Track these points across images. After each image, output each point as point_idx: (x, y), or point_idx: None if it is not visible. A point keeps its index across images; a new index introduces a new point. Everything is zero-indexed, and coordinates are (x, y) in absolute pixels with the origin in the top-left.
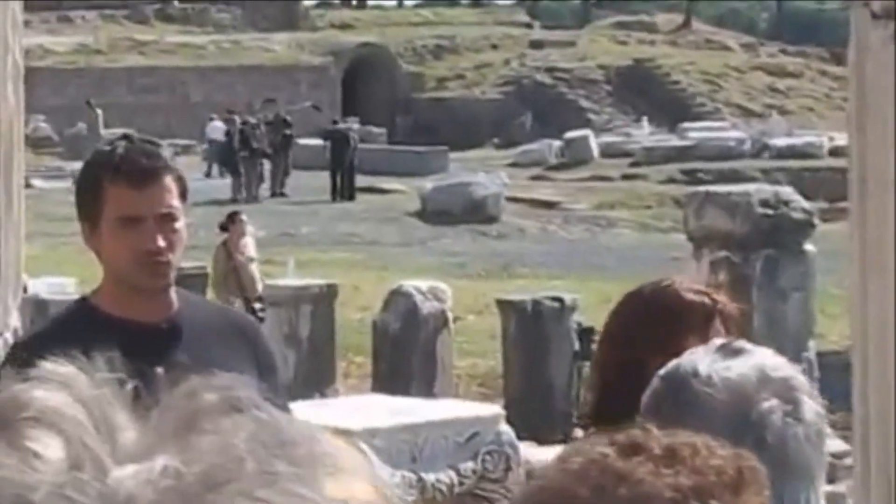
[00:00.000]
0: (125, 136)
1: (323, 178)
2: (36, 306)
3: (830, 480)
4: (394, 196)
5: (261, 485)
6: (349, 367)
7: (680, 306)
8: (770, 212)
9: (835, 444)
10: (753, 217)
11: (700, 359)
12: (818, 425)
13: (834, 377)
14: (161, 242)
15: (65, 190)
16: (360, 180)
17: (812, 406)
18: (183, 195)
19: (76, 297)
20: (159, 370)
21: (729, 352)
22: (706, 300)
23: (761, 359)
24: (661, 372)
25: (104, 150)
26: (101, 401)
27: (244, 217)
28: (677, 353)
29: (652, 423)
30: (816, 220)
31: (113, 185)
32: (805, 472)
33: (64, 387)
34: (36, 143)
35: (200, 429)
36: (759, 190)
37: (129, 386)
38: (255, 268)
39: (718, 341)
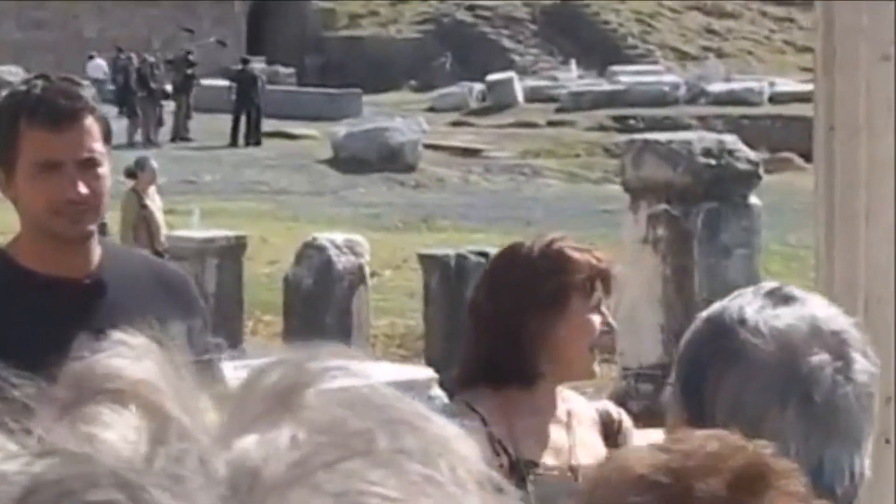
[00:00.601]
0: (43, 76)
1: (227, 122)
2: None
3: None
4: (304, 142)
5: (379, 465)
6: (257, 326)
7: (566, 263)
8: (713, 162)
9: None
10: (695, 167)
11: (748, 304)
12: (869, 386)
13: None
14: (82, 189)
15: None
16: (267, 124)
17: (865, 365)
18: (107, 138)
19: None
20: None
21: (779, 298)
22: (592, 260)
23: (813, 308)
24: (705, 314)
25: (20, 90)
26: (179, 374)
27: (154, 163)
28: (559, 311)
29: (688, 368)
30: (762, 172)
31: (29, 128)
32: (851, 436)
33: (139, 359)
34: None
35: (301, 403)
36: (701, 138)
37: (213, 357)
38: (161, 218)
39: (769, 285)
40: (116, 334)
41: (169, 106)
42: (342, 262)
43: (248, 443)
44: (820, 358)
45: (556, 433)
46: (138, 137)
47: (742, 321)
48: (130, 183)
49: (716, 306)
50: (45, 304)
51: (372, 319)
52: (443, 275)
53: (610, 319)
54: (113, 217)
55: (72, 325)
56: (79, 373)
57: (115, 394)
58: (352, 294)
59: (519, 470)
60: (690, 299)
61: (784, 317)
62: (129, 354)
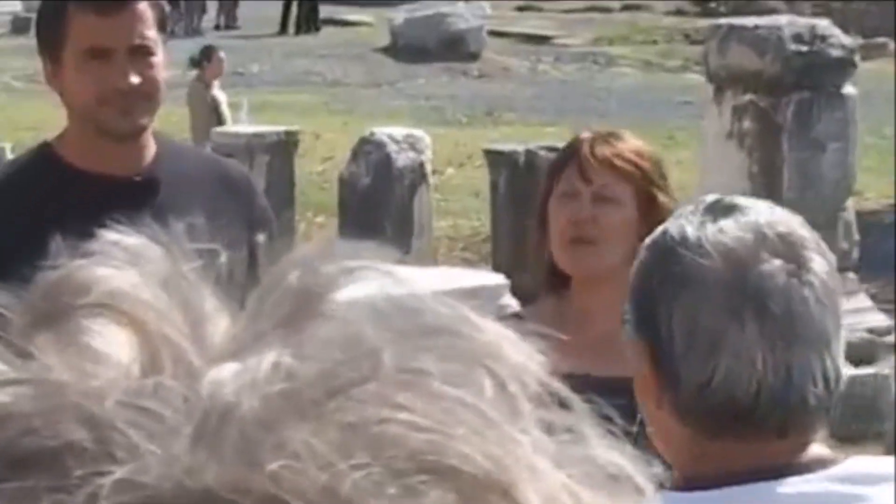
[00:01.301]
0: None
1: (277, 8)
2: None
3: (870, 361)
4: (359, 29)
5: (402, 387)
6: (310, 228)
7: (564, 150)
8: (804, 48)
9: (875, 318)
10: (784, 54)
11: (688, 221)
12: (828, 284)
13: (874, 241)
14: (134, 79)
15: None
16: (321, 10)
17: (821, 263)
18: (161, 25)
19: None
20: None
21: (720, 210)
22: (572, 144)
23: (757, 215)
24: (647, 241)
25: None
26: (183, 281)
27: (222, 53)
28: (547, 204)
29: (639, 299)
30: (857, 59)
31: (77, 13)
32: (817, 338)
33: (133, 263)
34: None
35: (317, 313)
36: (791, 23)
37: (221, 261)
38: (228, 113)
39: (709, 198)
40: (108, 234)
41: None
42: (402, 158)
43: (226, 371)
44: (771, 266)
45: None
46: (178, 27)
47: (684, 241)
48: (192, 74)
49: (656, 231)
50: (93, 203)
51: (434, 221)
52: (510, 172)
53: (587, 209)
54: (178, 113)
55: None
56: (53, 283)
57: (89, 308)
58: (412, 193)
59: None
60: (779, 198)
61: (727, 229)
62: (120, 258)
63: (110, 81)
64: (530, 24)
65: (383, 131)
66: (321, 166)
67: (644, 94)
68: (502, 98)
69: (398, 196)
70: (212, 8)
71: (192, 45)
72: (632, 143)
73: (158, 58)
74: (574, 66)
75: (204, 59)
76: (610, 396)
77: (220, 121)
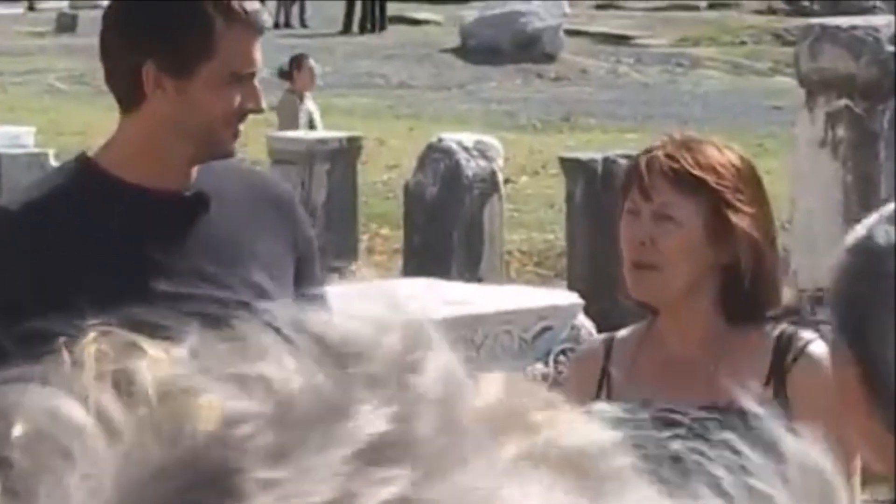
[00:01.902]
0: None
1: (341, 5)
2: None
3: None
4: (427, 28)
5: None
6: (374, 241)
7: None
8: None
9: None
10: (881, 57)
11: (892, 225)
12: None
13: None
14: (263, 102)
15: (15, 17)
16: (387, 8)
17: None
18: None
19: (33, 150)
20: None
21: None
22: (640, 156)
23: None
24: (848, 244)
25: None
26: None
27: (312, 62)
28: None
29: (844, 311)
30: None
31: (230, 30)
32: None
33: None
34: None
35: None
36: (888, 24)
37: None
38: (320, 123)
39: None
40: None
41: None
42: (472, 167)
43: None
44: None
45: (688, 368)
46: None
47: (892, 246)
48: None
49: (858, 234)
50: (145, 217)
51: (506, 233)
52: (587, 182)
53: (646, 230)
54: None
55: (174, 241)
56: None
57: None
58: (483, 204)
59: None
60: (875, 210)
61: None
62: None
63: (245, 103)
64: (610, 22)
65: (452, 137)
66: (386, 175)
67: (731, 99)
68: (580, 102)
69: (467, 207)
70: (272, 3)
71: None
72: (707, 153)
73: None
74: (657, 68)
75: (294, 69)
76: (666, 426)
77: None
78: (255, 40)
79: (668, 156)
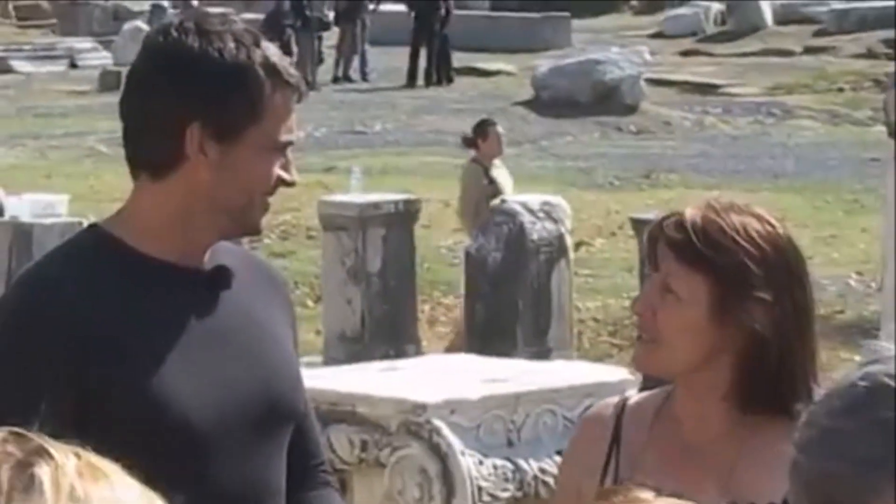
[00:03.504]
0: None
1: (404, 57)
2: (17, 232)
3: None
4: (497, 79)
5: None
6: (435, 312)
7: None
8: None
9: None
10: None
11: None
12: None
13: None
14: (297, 175)
15: (57, 75)
16: (453, 59)
17: None
18: None
19: (67, 219)
20: None
21: None
22: (659, 221)
23: None
24: (857, 376)
25: (245, 38)
26: None
27: (500, 128)
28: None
29: (848, 431)
30: None
31: (276, 95)
32: None
33: None
34: (20, 13)
35: None
36: None
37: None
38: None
39: None
40: None
41: (330, 38)
42: (537, 229)
43: None
44: None
45: (705, 456)
46: None
47: None
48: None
49: (868, 367)
50: (172, 294)
51: (579, 301)
52: None
53: (650, 300)
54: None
55: (200, 316)
56: None
57: None
58: (550, 270)
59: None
60: None
61: None
62: None
63: (280, 174)
64: (696, 70)
65: (515, 199)
66: (451, 239)
67: (827, 151)
68: (662, 157)
69: (533, 273)
70: (330, 56)
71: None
72: (730, 224)
73: None
74: (746, 119)
75: (478, 137)
76: None
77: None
78: (293, 108)
79: (679, 223)
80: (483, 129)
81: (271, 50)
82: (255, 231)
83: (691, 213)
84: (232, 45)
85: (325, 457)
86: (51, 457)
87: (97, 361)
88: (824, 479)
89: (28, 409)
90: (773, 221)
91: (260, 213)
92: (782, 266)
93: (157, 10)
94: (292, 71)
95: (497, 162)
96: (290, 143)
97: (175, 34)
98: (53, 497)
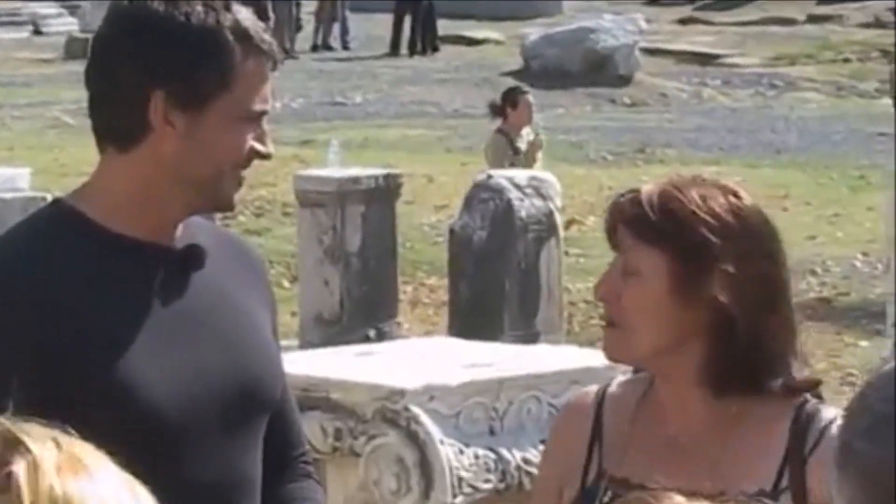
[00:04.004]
0: None
1: (387, 25)
2: None
3: None
4: (484, 48)
5: None
6: (418, 292)
7: None
8: None
9: None
10: None
11: None
12: None
13: None
14: (271, 146)
15: (21, 42)
16: (439, 26)
17: None
18: None
19: (29, 193)
20: None
21: None
22: (615, 199)
23: None
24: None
25: (215, 1)
26: None
27: (531, 97)
28: None
29: None
30: None
31: (248, 62)
32: None
33: None
34: None
35: None
36: None
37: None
38: (541, 167)
39: None
40: None
41: (309, 4)
42: (525, 206)
43: None
44: None
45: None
46: None
47: None
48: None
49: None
50: (140, 273)
51: (570, 282)
52: None
53: (613, 283)
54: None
55: (170, 297)
56: None
57: None
58: (539, 249)
59: (591, 493)
60: None
61: None
62: None
63: (254, 147)
64: (694, 39)
65: (501, 174)
66: (435, 216)
67: (832, 125)
68: (658, 130)
69: (521, 253)
70: (308, 24)
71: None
72: (689, 196)
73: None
74: (747, 91)
75: (507, 105)
76: None
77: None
78: (268, 76)
79: (635, 200)
80: (513, 96)
81: (243, 14)
82: (227, 206)
83: (648, 189)
84: (200, 8)
85: (306, 447)
86: (28, 450)
87: (60, 344)
88: (889, 467)
89: None
90: (739, 192)
91: (232, 186)
92: (746, 237)
93: None
94: (266, 36)
95: (525, 132)
96: (263, 113)
97: None
98: (31, 499)
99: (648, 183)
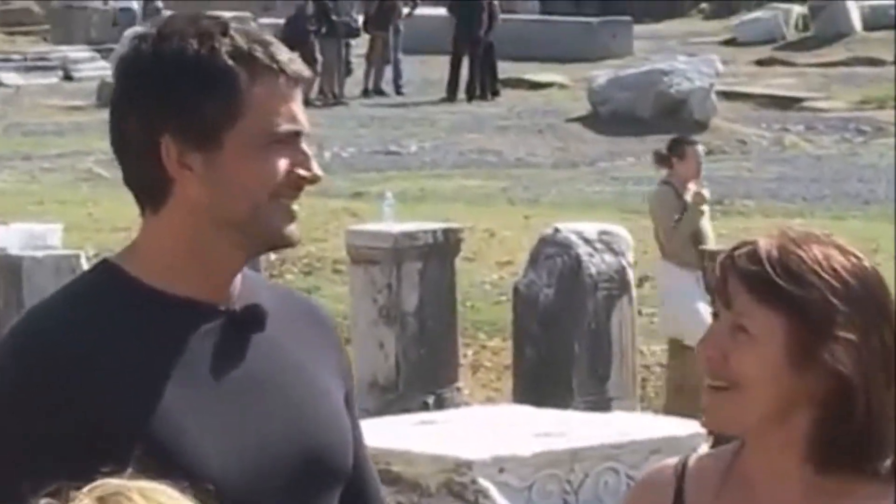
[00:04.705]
0: (203, 16)
1: (444, 68)
2: (4, 266)
3: None
4: (548, 92)
5: None
6: (479, 356)
7: None
8: None
9: None
10: None
11: None
12: None
13: None
14: (318, 170)
15: (51, 87)
16: (499, 69)
17: None
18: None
19: (61, 251)
20: None
21: None
22: (729, 252)
23: None
24: None
25: (211, 29)
26: None
27: (701, 147)
28: None
29: None
30: None
31: (258, 84)
32: None
33: None
34: (8, 18)
35: None
36: None
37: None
38: (709, 226)
39: None
40: None
41: (359, 46)
42: (595, 263)
43: None
44: None
45: None
46: (313, 94)
47: None
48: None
49: None
50: (195, 337)
51: (643, 344)
52: None
53: (719, 342)
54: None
55: (229, 361)
56: None
57: None
58: (610, 308)
59: None
60: None
61: None
62: None
63: (292, 171)
64: (774, 82)
65: (569, 228)
66: (497, 273)
67: None
68: (737, 180)
69: (591, 312)
70: (359, 67)
71: (330, 116)
72: (811, 255)
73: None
74: (832, 138)
75: (673, 156)
76: None
77: (695, 239)
78: (292, 93)
79: (752, 254)
80: (680, 146)
81: (243, 35)
82: (281, 240)
83: (766, 242)
84: (193, 40)
85: None
86: None
87: (111, 418)
88: None
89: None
90: (857, 253)
91: (279, 219)
92: (870, 303)
93: (150, 9)
94: (276, 53)
95: (692, 185)
96: (295, 134)
97: (136, 43)
98: None
99: (763, 236)
